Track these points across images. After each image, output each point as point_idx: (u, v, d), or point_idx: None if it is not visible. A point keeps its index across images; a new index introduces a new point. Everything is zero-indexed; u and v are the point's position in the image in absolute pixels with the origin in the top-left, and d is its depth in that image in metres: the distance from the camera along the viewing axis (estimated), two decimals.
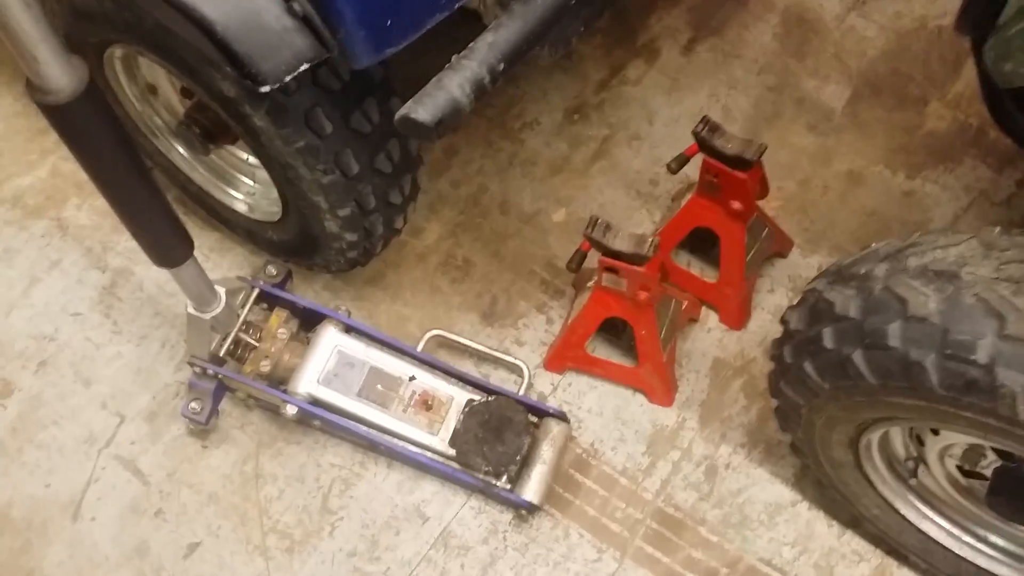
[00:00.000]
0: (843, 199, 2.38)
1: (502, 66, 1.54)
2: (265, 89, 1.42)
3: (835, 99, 2.50)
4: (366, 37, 1.41)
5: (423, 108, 1.48)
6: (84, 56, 1.89)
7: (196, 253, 2.00)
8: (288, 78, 1.42)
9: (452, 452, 1.99)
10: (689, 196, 2.13)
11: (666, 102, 2.50)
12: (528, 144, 2.45)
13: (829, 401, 1.62)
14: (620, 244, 1.84)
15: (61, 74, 1.21)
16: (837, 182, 2.40)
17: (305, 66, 1.43)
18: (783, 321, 1.70)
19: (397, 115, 1.49)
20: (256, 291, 2.03)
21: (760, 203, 2.21)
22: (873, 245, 1.58)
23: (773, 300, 2.26)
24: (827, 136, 2.46)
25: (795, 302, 1.69)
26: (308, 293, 2.24)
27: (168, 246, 1.59)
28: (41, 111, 1.28)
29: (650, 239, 1.82)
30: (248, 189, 2.14)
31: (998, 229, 1.47)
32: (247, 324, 2.01)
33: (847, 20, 2.61)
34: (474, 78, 1.51)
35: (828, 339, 1.54)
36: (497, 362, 2.18)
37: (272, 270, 2.13)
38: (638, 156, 2.43)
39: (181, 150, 2.11)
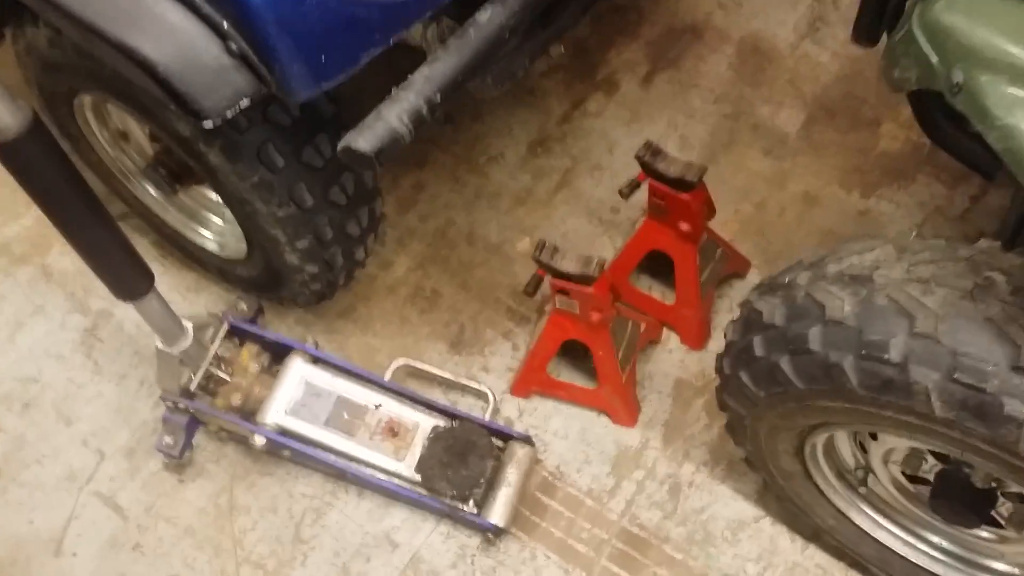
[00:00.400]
0: (799, 220, 2.44)
1: (439, 97, 1.63)
2: (208, 124, 1.51)
3: (790, 124, 2.57)
4: (301, 72, 1.50)
5: (363, 138, 1.56)
6: (56, 105, 2.04)
7: (173, 293, 2.10)
8: (229, 113, 1.51)
9: (418, 478, 2.04)
10: (643, 221, 2.20)
11: (626, 133, 2.58)
12: (493, 177, 2.54)
13: (766, 409, 1.67)
14: (567, 266, 1.91)
15: (5, 114, 1.30)
16: (793, 204, 2.46)
17: (245, 101, 1.51)
18: (724, 334, 1.75)
19: (339, 145, 1.57)
20: (225, 326, 2.10)
21: (717, 226, 2.28)
22: (799, 256, 1.64)
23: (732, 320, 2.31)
24: (782, 160, 2.53)
25: (763, 290, 1.70)
26: (281, 328, 2.32)
27: (126, 279, 1.68)
28: None
29: (596, 259, 1.89)
30: (217, 228, 2.23)
31: (914, 233, 1.53)
32: (218, 358, 2.08)
33: (801, 47, 2.69)
34: (412, 109, 1.59)
35: (758, 347, 1.59)
36: (464, 389, 2.24)
37: (243, 306, 2.21)
38: (599, 185, 2.51)
39: (153, 192, 2.21)
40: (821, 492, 1.86)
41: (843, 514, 1.89)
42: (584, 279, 1.88)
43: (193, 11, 1.47)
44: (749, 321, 1.64)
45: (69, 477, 2.17)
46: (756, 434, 1.78)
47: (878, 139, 2.54)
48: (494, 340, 2.32)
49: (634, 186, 2.16)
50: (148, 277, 1.72)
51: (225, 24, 1.47)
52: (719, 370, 1.75)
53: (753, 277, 2.36)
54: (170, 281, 2.37)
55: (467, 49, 1.66)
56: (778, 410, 1.64)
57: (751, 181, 2.50)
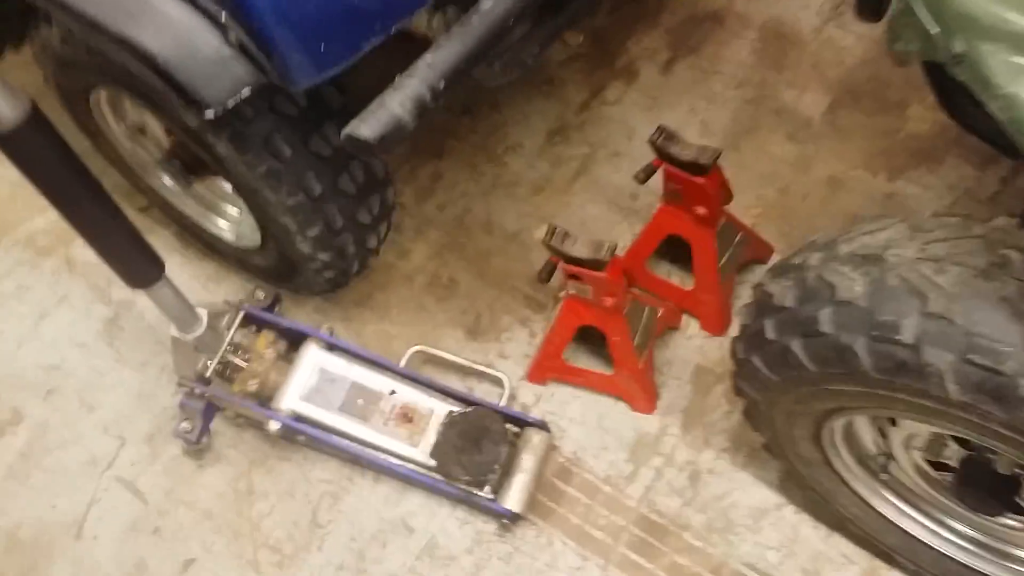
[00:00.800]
0: (823, 204, 2.40)
1: (442, 84, 1.61)
2: (210, 114, 1.51)
3: (813, 108, 2.53)
4: (300, 61, 1.50)
5: (365, 126, 1.55)
6: (74, 102, 2.07)
7: (193, 283, 2.10)
8: (230, 102, 1.51)
9: (433, 463, 2.04)
10: (659, 206, 2.17)
11: (646, 120, 2.55)
12: (511, 166, 2.53)
13: (781, 394, 1.64)
14: (578, 251, 1.89)
15: (3, 105, 1.32)
16: (817, 188, 2.42)
17: (246, 90, 1.52)
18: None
19: (342, 133, 1.57)
20: (241, 313, 2.12)
21: (739, 211, 2.24)
22: (812, 237, 1.61)
23: None
24: (806, 144, 2.48)
25: (775, 273, 1.66)
26: (300, 316, 2.33)
27: (136, 266, 1.69)
28: None
29: (607, 244, 1.87)
30: (233, 218, 2.25)
31: (928, 213, 1.49)
32: (235, 345, 2.09)
33: (824, 32, 2.64)
34: (415, 96, 1.57)
35: (770, 330, 1.56)
36: (480, 375, 2.24)
37: (260, 294, 2.22)
38: (618, 172, 2.49)
39: (170, 184, 2.23)
40: (842, 480, 1.82)
41: (866, 502, 1.85)
42: (595, 264, 1.86)
43: (191, 3, 1.49)
44: (761, 304, 1.61)
45: (91, 462, 2.20)
46: (772, 420, 1.75)
47: (905, 121, 2.49)
48: (511, 327, 2.31)
49: (650, 171, 2.13)
50: (158, 265, 1.73)
51: (223, 15, 1.47)
52: (734, 355, 1.72)
53: (775, 263, 2.32)
54: (191, 271, 2.40)
55: (471, 37, 1.64)
56: (792, 394, 1.60)
57: (774, 166, 2.46)
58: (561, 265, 1.94)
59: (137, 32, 1.48)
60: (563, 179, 2.50)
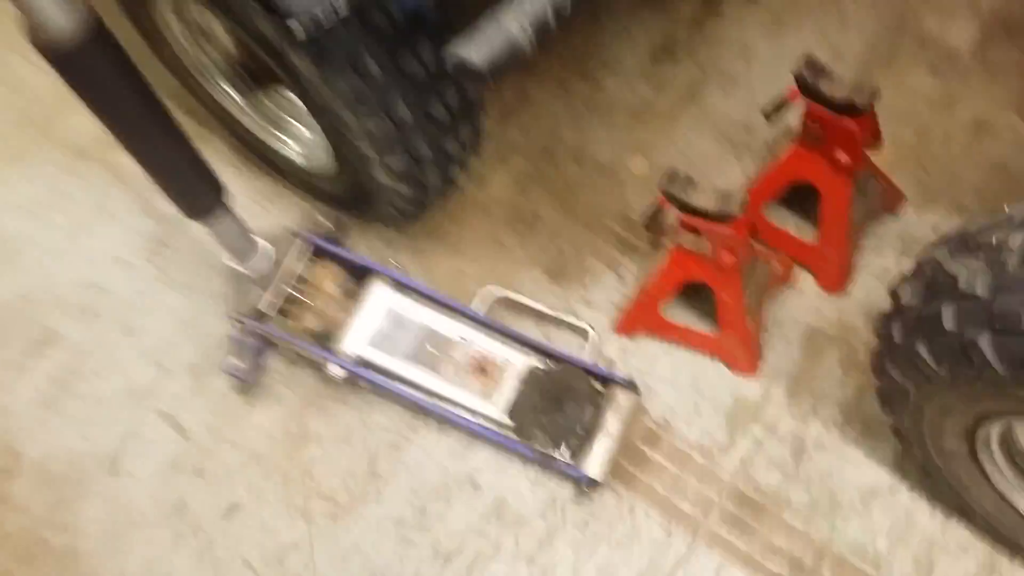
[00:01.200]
0: (967, 151, 2.08)
1: (565, 10, 1.35)
2: (299, 31, 1.25)
3: (962, 39, 2.19)
4: None
5: (476, 49, 1.31)
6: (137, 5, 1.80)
7: (246, 200, 1.86)
8: (326, 20, 1.25)
9: (509, 422, 1.82)
10: (789, 147, 1.88)
11: (766, 41, 2.23)
12: (608, 87, 2.23)
13: (945, 388, 1.39)
14: (703, 201, 1.62)
15: (60, 15, 1.06)
16: (961, 132, 2.10)
17: (343, 5, 1.25)
18: (893, 293, 1.46)
19: (447, 54, 1.32)
20: (304, 244, 1.88)
21: (870, 154, 1.94)
22: (1007, 209, 1.32)
23: (880, 263, 2.00)
24: (951, 80, 2.15)
25: (909, 270, 1.44)
26: (362, 245, 2.09)
27: (196, 197, 1.46)
28: (43, 57, 1.15)
29: (738, 195, 1.60)
30: (303, 138, 1.99)
31: None
32: (295, 278, 1.87)
33: None
34: (536, 15, 1.32)
35: (948, 319, 1.30)
36: (561, 323, 1.99)
37: (324, 221, 1.97)
38: (732, 101, 2.19)
39: (234, 96, 1.96)
40: (985, 476, 1.58)
41: (1006, 500, 1.60)
42: (723, 217, 1.59)
43: None
44: (936, 284, 1.34)
45: (129, 392, 2.00)
46: (920, 410, 1.49)
47: None
48: (598, 271, 2.05)
49: (780, 105, 1.84)
50: (220, 193, 1.49)
51: None
52: (883, 334, 1.46)
53: (908, 215, 2.03)
54: (244, 187, 2.16)
55: None
56: (962, 392, 1.35)
57: (913, 103, 2.14)
58: (677, 214, 1.66)
59: None
60: (667, 105, 2.20)
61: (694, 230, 1.66)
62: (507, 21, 1.32)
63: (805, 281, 2.01)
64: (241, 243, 1.66)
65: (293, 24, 1.31)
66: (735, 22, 2.26)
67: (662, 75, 2.22)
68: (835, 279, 1.97)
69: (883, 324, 1.47)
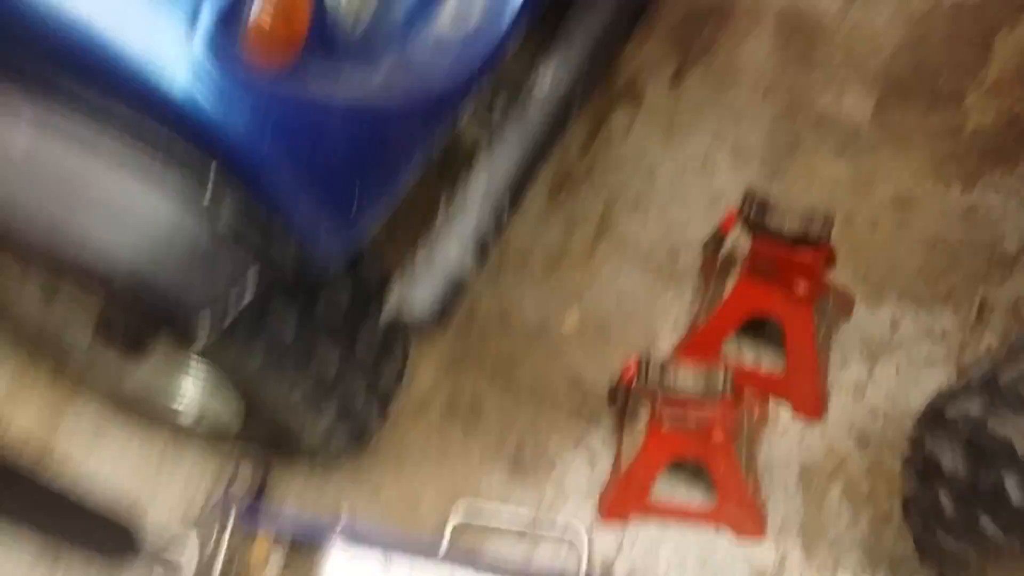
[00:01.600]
0: (897, 232, 2.00)
1: (509, 201, 1.19)
2: (200, 342, 1.00)
3: (858, 112, 2.12)
4: (329, 232, 1.02)
5: (419, 300, 1.09)
6: None
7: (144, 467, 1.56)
8: (229, 318, 1.00)
9: None
10: (733, 277, 1.73)
11: (665, 152, 2.09)
12: (514, 237, 2.03)
13: (1017, 557, 1.24)
14: (685, 382, 1.44)
15: None
16: (885, 213, 2.02)
17: (248, 295, 1.01)
18: (925, 456, 1.31)
19: (383, 317, 1.10)
20: (229, 519, 1.58)
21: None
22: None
23: (849, 376, 1.87)
24: (860, 158, 2.07)
25: (931, 421, 1.31)
26: (294, 481, 1.79)
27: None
28: None
29: (723, 373, 1.42)
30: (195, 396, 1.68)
31: None
32: (229, 557, 1.56)
33: (849, 15, 2.22)
34: (478, 232, 1.16)
35: (1014, 489, 1.16)
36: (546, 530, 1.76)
37: (244, 472, 1.68)
38: (646, 224, 2.03)
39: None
40: None
41: None
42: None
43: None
44: (986, 450, 1.20)
45: None
46: (983, 571, 1.35)
47: (965, 115, 2.11)
48: (565, 453, 1.84)
49: (720, 239, 1.69)
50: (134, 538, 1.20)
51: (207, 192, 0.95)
52: (921, 500, 1.32)
53: (861, 314, 1.91)
54: (138, 450, 1.82)
55: (535, 127, 1.22)
56: None
57: (828, 190, 2.04)
58: (659, 399, 1.47)
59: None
60: (582, 244, 2.02)
61: (677, 405, 1.47)
62: (446, 253, 1.16)
63: (783, 414, 1.85)
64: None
65: (191, 335, 1.06)
66: (627, 139, 2.11)
67: (566, 212, 2.04)
68: (812, 405, 1.83)
69: (917, 486, 1.33)
